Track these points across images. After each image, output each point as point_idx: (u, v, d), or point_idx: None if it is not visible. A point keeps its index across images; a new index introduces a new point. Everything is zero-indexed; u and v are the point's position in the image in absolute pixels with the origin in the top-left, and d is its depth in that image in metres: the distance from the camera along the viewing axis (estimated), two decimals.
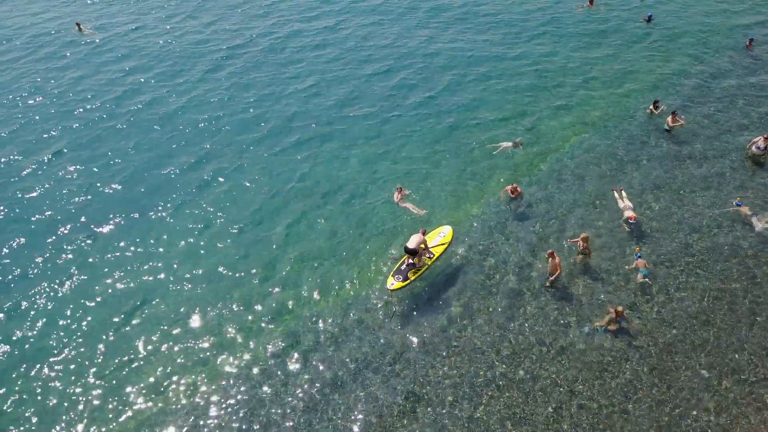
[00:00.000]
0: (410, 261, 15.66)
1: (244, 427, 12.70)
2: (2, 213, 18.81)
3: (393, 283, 15.33)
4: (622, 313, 13.86)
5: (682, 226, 16.98)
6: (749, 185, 18.42)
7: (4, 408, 13.28)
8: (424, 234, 15.52)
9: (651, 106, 22.10)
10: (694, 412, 12.38)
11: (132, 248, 17.38)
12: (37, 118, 23.90)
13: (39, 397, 13.45)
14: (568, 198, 18.29)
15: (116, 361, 14.25)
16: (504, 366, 13.54)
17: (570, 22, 30.52)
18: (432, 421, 12.57)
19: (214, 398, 13.35)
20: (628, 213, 16.70)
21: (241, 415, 12.94)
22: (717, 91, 23.59)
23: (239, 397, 13.33)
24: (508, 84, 24.91)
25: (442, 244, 16.31)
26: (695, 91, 23.60)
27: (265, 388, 13.46)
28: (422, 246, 15.38)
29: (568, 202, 18.14)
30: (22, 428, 12.89)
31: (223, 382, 13.68)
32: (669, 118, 20.97)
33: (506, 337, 14.21)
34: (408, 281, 15.37)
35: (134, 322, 15.25)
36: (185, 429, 12.74)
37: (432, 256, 16.00)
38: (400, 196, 18.41)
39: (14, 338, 14.83)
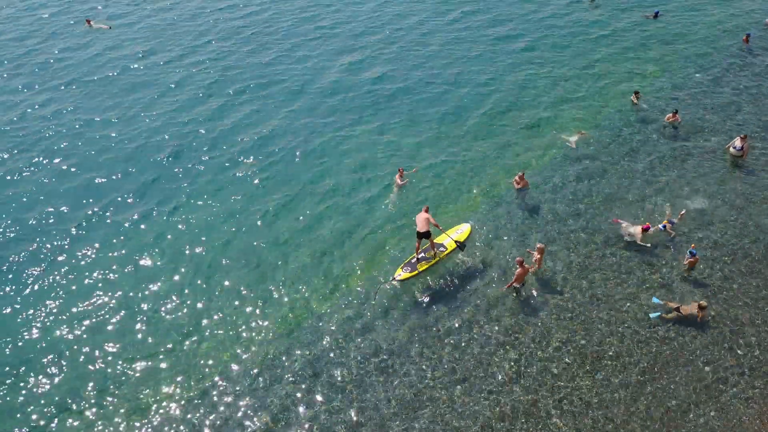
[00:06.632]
0: (422, 254, 15.67)
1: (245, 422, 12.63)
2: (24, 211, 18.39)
3: (400, 273, 15.37)
4: (705, 308, 14.15)
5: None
6: (728, 186, 19.17)
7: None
8: (427, 211, 15.41)
9: (633, 96, 23.44)
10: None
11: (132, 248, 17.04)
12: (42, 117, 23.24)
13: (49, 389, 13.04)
14: (570, 195, 18.65)
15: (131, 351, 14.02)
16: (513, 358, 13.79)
17: (572, 18, 30.99)
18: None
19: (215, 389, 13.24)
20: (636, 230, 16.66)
21: (242, 408, 12.87)
22: (711, 87, 24.35)
23: (239, 390, 13.24)
24: (508, 78, 25.25)
25: (457, 241, 16.04)
26: (691, 88, 24.32)
27: (262, 384, 13.35)
28: (431, 224, 15.16)
29: (570, 200, 18.48)
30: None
31: (219, 376, 13.55)
32: (669, 116, 21.91)
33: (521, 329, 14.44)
34: (416, 272, 15.39)
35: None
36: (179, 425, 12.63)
37: (444, 249, 15.98)
38: (400, 177, 18.57)
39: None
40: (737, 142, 20.32)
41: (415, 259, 15.69)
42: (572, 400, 12.89)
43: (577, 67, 26.18)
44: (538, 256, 15.51)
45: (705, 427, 12.38)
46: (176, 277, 15.93)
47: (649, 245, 16.43)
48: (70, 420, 12.62)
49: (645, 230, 16.45)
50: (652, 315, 14.60)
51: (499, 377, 13.31)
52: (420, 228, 15.18)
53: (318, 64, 26.90)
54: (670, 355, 13.77)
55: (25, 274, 15.98)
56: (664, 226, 16.81)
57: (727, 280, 15.62)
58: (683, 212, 17.27)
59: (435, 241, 16.08)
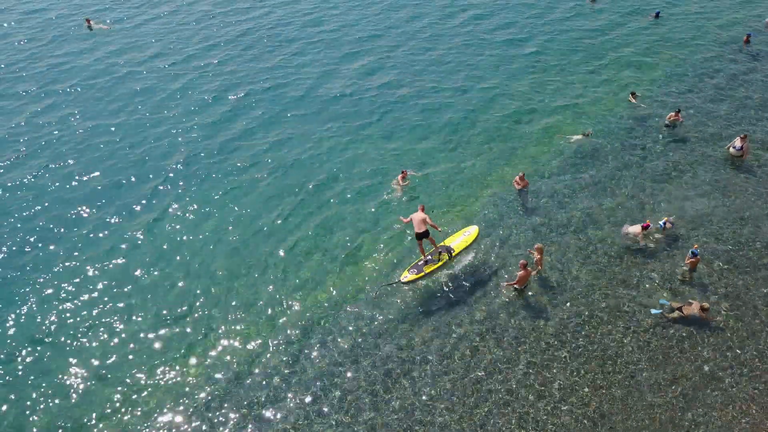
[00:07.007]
0: (429, 256, 15.92)
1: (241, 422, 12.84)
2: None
3: (406, 275, 15.57)
4: (707, 310, 14.30)
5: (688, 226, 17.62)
6: (728, 186, 19.33)
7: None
8: (423, 210, 15.54)
9: (630, 97, 23.79)
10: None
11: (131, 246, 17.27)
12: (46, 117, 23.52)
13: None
14: (571, 196, 18.85)
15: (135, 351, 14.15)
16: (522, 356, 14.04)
17: (576, 23, 31.23)
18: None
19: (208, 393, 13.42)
20: (635, 229, 16.78)
21: (234, 410, 13.08)
22: (712, 87, 24.59)
23: (234, 394, 13.41)
24: (512, 83, 25.52)
25: (465, 243, 16.15)
26: (692, 89, 24.60)
27: (259, 384, 13.54)
28: (429, 224, 15.26)
29: (572, 200, 18.68)
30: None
31: (211, 377, 13.75)
32: (671, 114, 22.19)
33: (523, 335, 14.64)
34: (422, 274, 15.58)
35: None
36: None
37: (448, 251, 16.16)
38: (402, 179, 18.87)
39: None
40: (737, 142, 20.52)
41: (422, 261, 15.89)
42: (575, 401, 13.10)
43: (581, 71, 26.38)
44: (538, 256, 15.69)
45: (706, 429, 12.58)
46: (181, 284, 16.06)
47: (651, 246, 16.64)
48: (73, 425, 12.79)
49: (645, 228, 16.60)
50: (653, 311, 14.82)
51: (504, 380, 13.52)
52: (418, 229, 15.29)
53: (323, 69, 27.00)
54: (671, 356, 13.97)
55: (28, 280, 16.09)
56: (664, 224, 16.98)
57: (728, 280, 15.81)
58: (671, 218, 17.43)
59: (441, 243, 16.27)
